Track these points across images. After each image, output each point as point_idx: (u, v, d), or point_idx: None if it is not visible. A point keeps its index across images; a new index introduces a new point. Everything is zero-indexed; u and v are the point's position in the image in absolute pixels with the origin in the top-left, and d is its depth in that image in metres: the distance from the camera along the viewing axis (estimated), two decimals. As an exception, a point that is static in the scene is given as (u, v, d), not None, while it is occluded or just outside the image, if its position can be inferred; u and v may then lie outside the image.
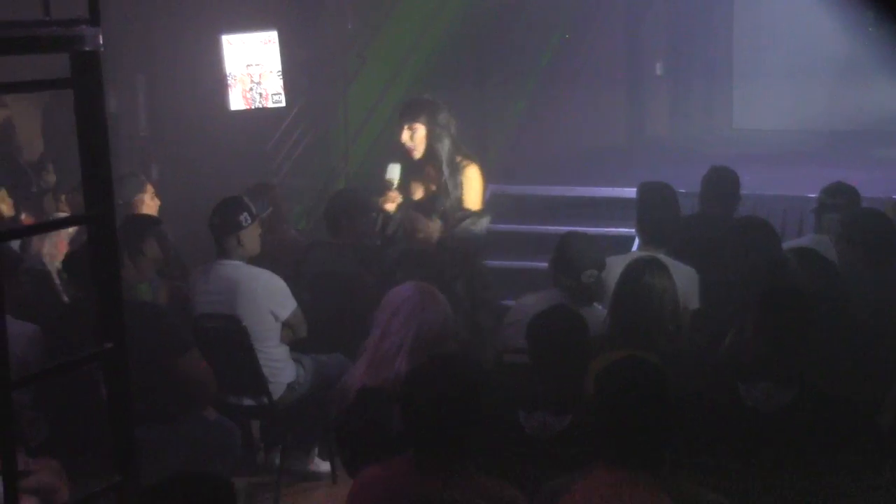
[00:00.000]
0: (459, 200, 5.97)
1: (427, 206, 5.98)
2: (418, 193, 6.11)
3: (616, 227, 8.06)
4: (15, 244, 6.26)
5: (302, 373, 5.90)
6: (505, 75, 10.76)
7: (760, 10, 12.48)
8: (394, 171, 6.05)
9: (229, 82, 9.80)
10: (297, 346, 5.94)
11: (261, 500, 5.87)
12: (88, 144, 2.23)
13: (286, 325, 5.80)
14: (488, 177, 9.72)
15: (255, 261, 5.85)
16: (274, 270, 5.83)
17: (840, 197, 6.03)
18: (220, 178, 8.81)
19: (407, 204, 6.09)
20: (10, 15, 2.27)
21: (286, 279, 5.86)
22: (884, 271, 5.16)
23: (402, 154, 6.06)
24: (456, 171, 5.98)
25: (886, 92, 10.84)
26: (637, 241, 6.48)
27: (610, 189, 8.95)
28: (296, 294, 5.86)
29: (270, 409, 5.76)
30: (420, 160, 6.04)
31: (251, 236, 5.82)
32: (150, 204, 6.95)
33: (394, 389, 3.76)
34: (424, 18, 10.53)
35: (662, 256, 5.12)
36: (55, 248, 6.63)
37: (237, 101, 9.88)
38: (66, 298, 6.09)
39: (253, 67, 9.90)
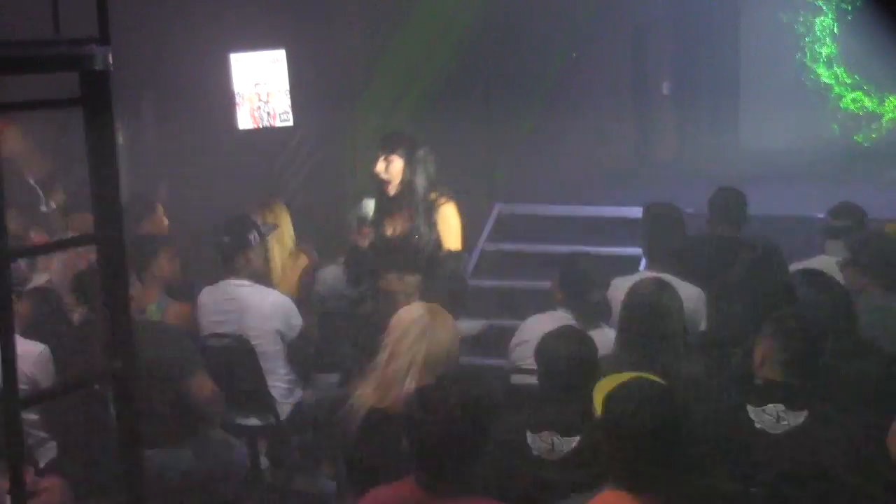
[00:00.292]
0: (436, 240, 5.81)
1: (400, 244, 5.82)
2: (391, 229, 5.93)
3: (623, 247, 8.05)
4: (24, 263, 6.26)
5: (309, 392, 5.90)
6: (512, 95, 10.76)
7: (767, 30, 12.49)
8: (367, 207, 5.98)
9: (237, 101, 9.84)
10: (305, 366, 5.94)
11: (267, 521, 5.86)
12: (98, 163, 2.24)
13: (294, 344, 5.80)
14: (496, 196, 9.80)
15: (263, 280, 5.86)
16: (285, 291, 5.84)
17: (846, 218, 6.01)
18: (228, 197, 8.82)
19: (378, 243, 5.93)
20: (20, 34, 2.28)
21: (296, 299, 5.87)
22: (892, 295, 5.14)
23: (377, 187, 5.94)
24: (430, 208, 5.83)
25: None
26: (643, 262, 6.47)
27: (617, 209, 8.95)
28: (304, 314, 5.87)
29: (277, 429, 5.75)
30: (395, 195, 5.88)
31: (259, 255, 5.83)
32: (158, 224, 6.96)
33: (403, 410, 3.75)
34: (432, 38, 10.56)
35: (669, 277, 5.11)
36: (65, 267, 6.63)
37: (245, 119, 9.92)
38: (74, 318, 6.09)
39: (261, 86, 9.94)
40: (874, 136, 11.87)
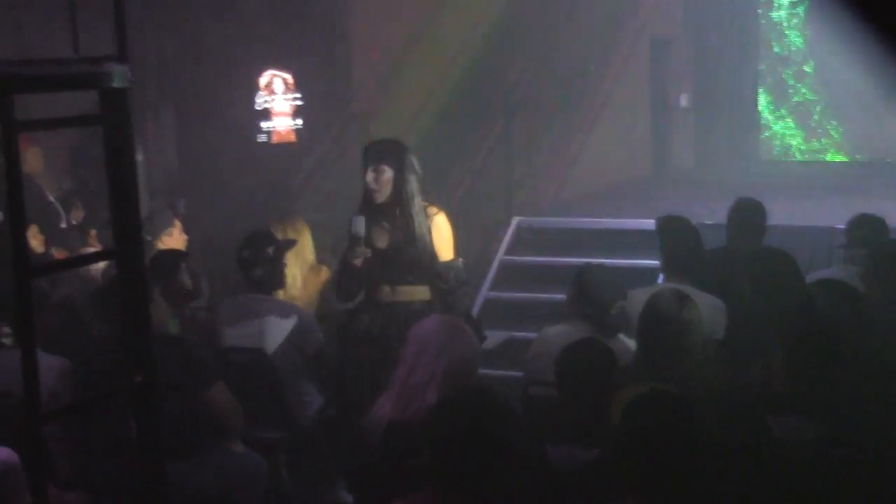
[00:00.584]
0: (435, 252, 5.64)
1: (394, 255, 5.63)
2: (382, 241, 5.70)
3: (642, 259, 8.06)
4: (45, 279, 6.30)
5: (330, 405, 5.91)
6: (530, 108, 10.79)
7: (785, 42, 12.48)
8: (360, 225, 5.62)
9: (257, 117, 9.89)
10: (325, 380, 5.95)
11: (287, 534, 5.86)
12: (117, 180, 2.26)
13: (314, 358, 5.82)
14: (515, 209, 9.82)
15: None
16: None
17: (864, 229, 6.00)
18: (247, 212, 8.86)
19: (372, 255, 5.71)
20: (39, 53, 2.31)
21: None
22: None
23: (365, 198, 5.69)
24: (424, 218, 5.64)
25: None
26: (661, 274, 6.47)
27: (636, 221, 8.96)
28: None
29: (297, 442, 5.77)
30: (383, 205, 5.66)
31: (279, 269, 5.86)
32: (178, 239, 7.00)
33: (424, 423, 3.76)
34: (447, 54, 10.58)
35: (688, 288, 5.11)
36: (84, 282, 6.67)
37: (263, 136, 9.98)
38: (95, 333, 6.12)
39: (280, 102, 9.99)
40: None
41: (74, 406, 4.51)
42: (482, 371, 4.43)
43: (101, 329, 5.50)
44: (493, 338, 6.51)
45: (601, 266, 5.42)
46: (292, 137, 10.10)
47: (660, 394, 3.23)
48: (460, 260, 5.73)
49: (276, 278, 5.89)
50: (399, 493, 3.52)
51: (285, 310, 5.81)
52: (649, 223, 7.99)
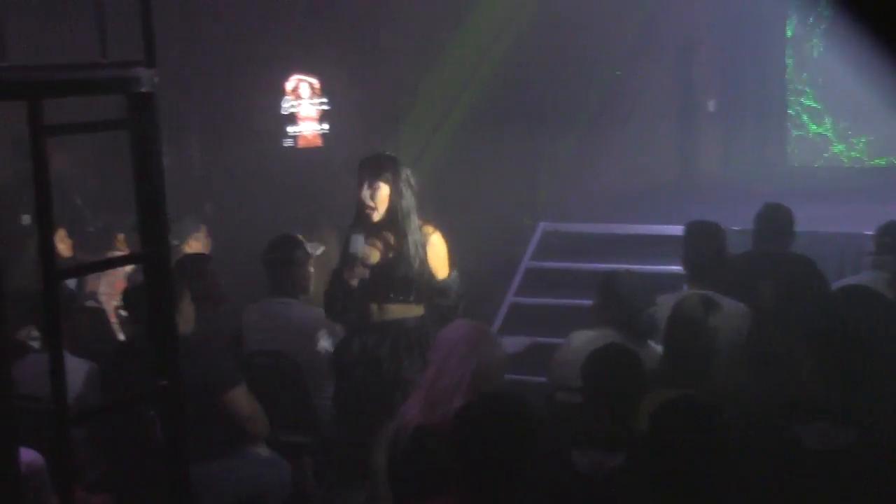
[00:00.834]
0: (431, 271, 5.44)
1: (387, 272, 5.43)
2: (374, 257, 5.48)
3: (669, 264, 8.01)
4: (72, 282, 6.33)
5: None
6: (555, 114, 10.77)
7: (814, 47, 12.42)
8: (358, 245, 5.40)
9: (282, 122, 9.92)
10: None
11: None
12: (144, 184, 2.27)
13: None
14: (540, 215, 9.79)
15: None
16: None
17: (893, 235, 5.96)
18: (273, 216, 8.88)
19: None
20: (67, 57, 2.31)
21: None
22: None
23: (360, 214, 5.46)
24: (420, 236, 5.43)
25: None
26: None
27: (663, 227, 8.91)
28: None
29: (322, 446, 5.77)
30: (380, 222, 5.43)
31: (305, 274, 5.86)
32: (204, 243, 7.02)
33: (450, 427, 3.75)
34: (474, 59, 10.58)
35: (714, 294, 5.09)
36: (111, 287, 6.70)
37: (290, 140, 10.00)
38: (121, 336, 6.15)
39: (306, 107, 10.02)
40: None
41: (102, 409, 4.54)
42: (508, 376, 4.42)
43: (128, 333, 5.53)
44: (516, 343, 6.46)
45: (628, 272, 5.39)
46: (318, 142, 10.12)
47: (688, 400, 3.22)
48: (455, 273, 5.56)
49: (302, 283, 5.90)
50: (425, 496, 3.52)
51: (310, 314, 5.82)
52: (676, 229, 7.95)
